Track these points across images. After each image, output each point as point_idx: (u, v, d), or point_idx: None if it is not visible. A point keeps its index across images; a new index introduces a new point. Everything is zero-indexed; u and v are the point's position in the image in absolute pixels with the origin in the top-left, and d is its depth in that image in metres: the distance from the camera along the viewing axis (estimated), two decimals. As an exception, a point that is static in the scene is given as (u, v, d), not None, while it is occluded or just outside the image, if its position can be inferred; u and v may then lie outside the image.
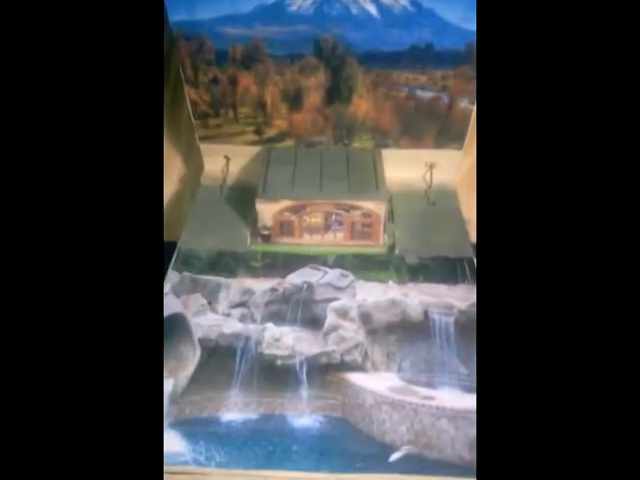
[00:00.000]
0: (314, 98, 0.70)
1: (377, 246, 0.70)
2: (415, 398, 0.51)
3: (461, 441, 0.48)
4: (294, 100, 0.71)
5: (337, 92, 0.69)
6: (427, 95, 0.69)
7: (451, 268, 0.66)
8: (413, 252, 0.68)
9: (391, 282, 0.65)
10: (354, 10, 0.62)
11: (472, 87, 0.67)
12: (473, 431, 0.49)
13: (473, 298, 0.62)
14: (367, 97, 0.70)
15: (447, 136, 0.73)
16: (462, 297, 0.62)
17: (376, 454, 0.48)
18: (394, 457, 0.47)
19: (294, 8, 0.62)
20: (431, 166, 0.76)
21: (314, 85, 0.69)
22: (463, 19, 0.61)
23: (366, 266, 0.67)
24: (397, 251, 0.69)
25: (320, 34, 0.63)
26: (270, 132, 0.75)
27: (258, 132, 0.75)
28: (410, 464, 0.47)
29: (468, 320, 0.60)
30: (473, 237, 0.80)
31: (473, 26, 0.61)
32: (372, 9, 0.62)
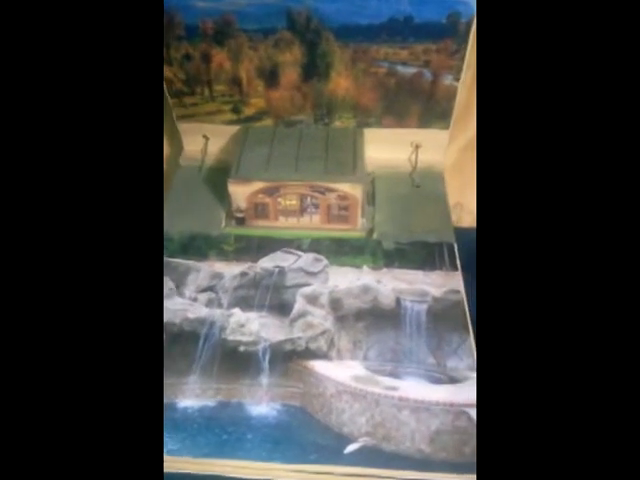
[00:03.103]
0: (291, 74, 0.67)
1: (355, 230, 0.67)
2: (378, 388, 0.49)
3: (421, 434, 0.46)
4: (270, 77, 0.68)
5: (314, 68, 0.66)
6: (409, 71, 0.66)
7: (429, 253, 0.63)
8: (392, 236, 0.66)
9: (365, 267, 0.62)
10: (327, -20, 0.59)
11: (455, 62, 0.64)
12: (435, 424, 0.47)
13: (449, 285, 0.59)
14: (346, 74, 0.66)
15: (432, 114, 0.70)
16: (438, 283, 0.60)
17: (332, 445, 0.46)
18: (350, 449, 0.46)
19: (264, -21, 0.59)
20: (416, 147, 0.73)
21: (290, 61, 0.66)
22: (444, -12, 0.58)
23: (342, 251, 0.65)
24: (375, 235, 0.66)
25: (292, 6, 0.60)
26: (248, 111, 0.72)
27: (236, 111, 0.72)
28: (366, 456, 0.45)
29: (442, 307, 0.57)
30: (457, 221, 0.77)
31: (454, -4, 0.57)
32: (347, -21, 0.59)
